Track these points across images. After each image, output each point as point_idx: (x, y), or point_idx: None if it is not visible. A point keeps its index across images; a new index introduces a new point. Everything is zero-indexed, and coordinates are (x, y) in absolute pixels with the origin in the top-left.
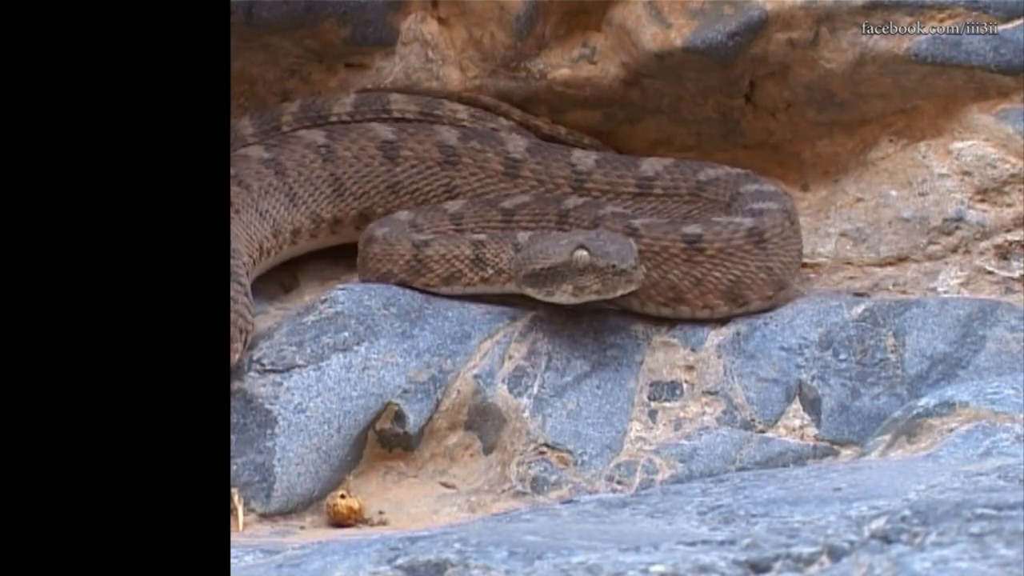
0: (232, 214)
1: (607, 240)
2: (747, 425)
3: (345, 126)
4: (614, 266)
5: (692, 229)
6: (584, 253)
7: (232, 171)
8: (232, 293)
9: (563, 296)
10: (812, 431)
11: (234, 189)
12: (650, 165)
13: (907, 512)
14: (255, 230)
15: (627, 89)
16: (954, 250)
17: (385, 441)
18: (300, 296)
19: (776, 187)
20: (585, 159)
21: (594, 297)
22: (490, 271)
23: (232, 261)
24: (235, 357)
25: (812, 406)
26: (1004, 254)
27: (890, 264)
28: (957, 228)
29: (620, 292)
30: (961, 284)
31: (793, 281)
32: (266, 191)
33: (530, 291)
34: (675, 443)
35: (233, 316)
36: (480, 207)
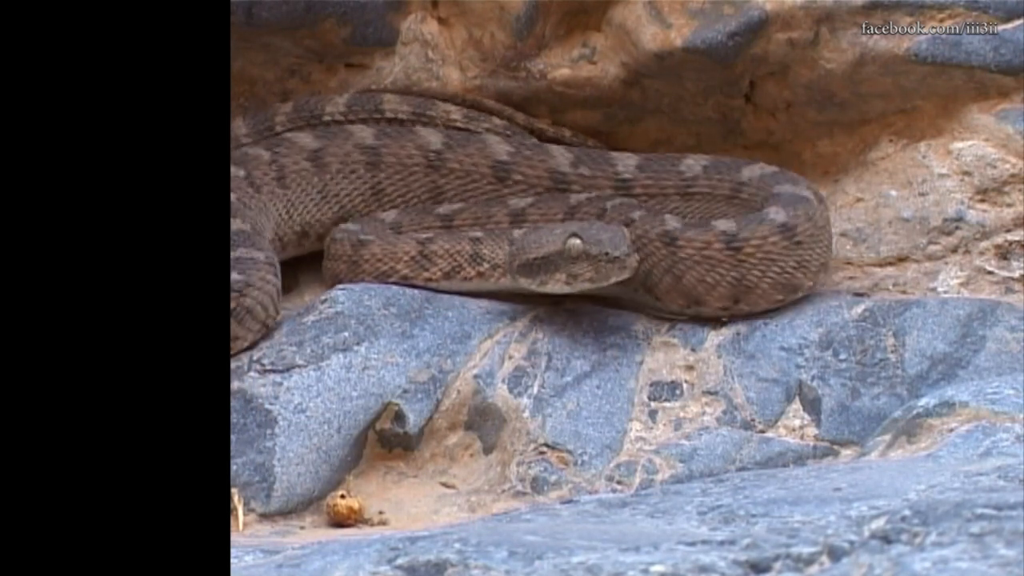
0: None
1: (600, 229)
2: (747, 425)
3: (398, 127)
4: (607, 254)
5: (632, 215)
6: (577, 241)
7: (271, 154)
8: (266, 268)
9: (556, 285)
10: (812, 431)
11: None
12: (688, 166)
13: (907, 512)
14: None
15: (627, 89)
16: (954, 250)
17: (385, 441)
18: (300, 296)
19: (777, 214)
20: (626, 160)
21: (588, 286)
22: (486, 265)
23: (258, 239)
24: (250, 337)
25: (812, 406)
26: (1004, 254)
27: (890, 264)
28: (957, 228)
29: (613, 279)
30: (961, 284)
31: (719, 302)
32: (304, 189)
33: (524, 281)
34: (675, 443)
35: (263, 292)
36: (417, 215)
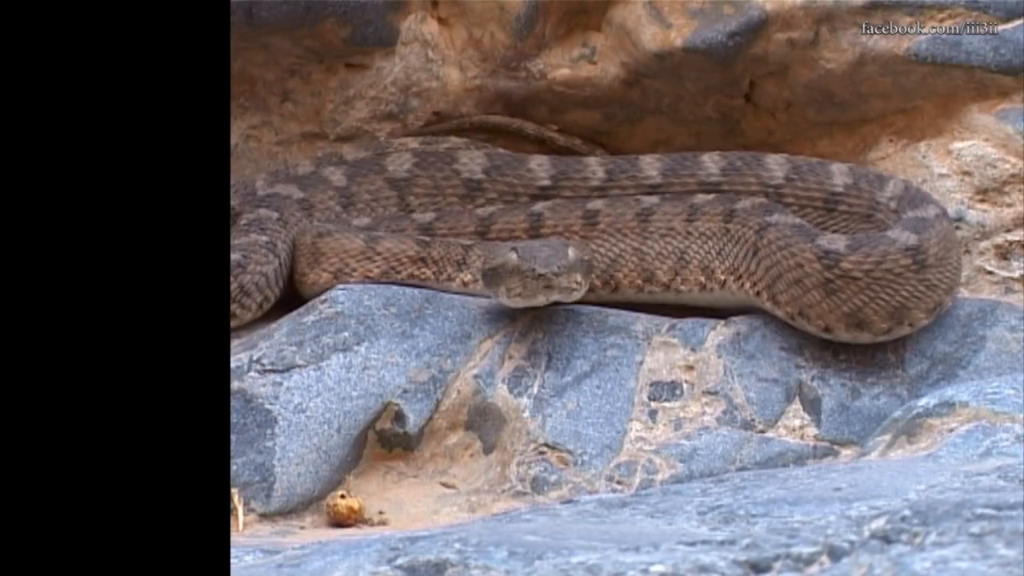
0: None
1: (543, 246)
2: (747, 425)
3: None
4: (533, 270)
5: (594, 206)
6: (514, 256)
7: (303, 194)
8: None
9: (502, 297)
10: (812, 431)
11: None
12: (775, 162)
13: (907, 512)
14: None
15: (627, 89)
16: None
17: (385, 441)
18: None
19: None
20: (711, 165)
21: (520, 301)
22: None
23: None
24: (248, 316)
25: (812, 406)
26: (1004, 254)
27: None
28: (957, 228)
29: (542, 299)
30: (961, 284)
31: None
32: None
33: (487, 290)
34: (675, 443)
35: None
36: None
